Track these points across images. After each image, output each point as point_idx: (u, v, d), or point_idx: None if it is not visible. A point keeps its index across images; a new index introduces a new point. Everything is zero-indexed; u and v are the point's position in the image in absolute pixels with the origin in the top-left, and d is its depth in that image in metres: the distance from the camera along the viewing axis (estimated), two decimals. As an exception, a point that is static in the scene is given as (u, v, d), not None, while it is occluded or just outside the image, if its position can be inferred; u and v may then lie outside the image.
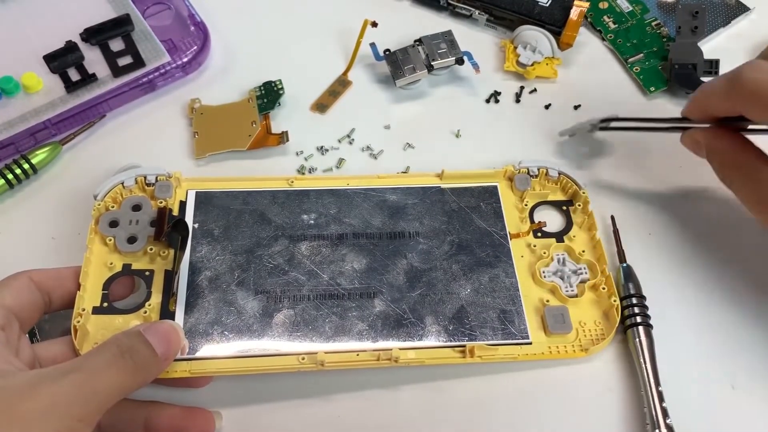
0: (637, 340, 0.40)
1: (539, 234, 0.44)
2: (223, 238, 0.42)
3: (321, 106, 0.51)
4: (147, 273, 0.41)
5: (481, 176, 0.46)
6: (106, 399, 0.31)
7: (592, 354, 0.40)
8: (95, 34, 0.50)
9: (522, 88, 0.52)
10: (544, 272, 0.42)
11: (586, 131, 0.47)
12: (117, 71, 0.49)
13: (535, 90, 0.52)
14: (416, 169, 0.48)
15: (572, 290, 0.42)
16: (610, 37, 0.54)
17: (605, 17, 0.55)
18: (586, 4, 0.52)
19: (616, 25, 0.54)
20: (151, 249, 0.41)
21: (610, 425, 0.39)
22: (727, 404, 0.40)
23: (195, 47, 0.51)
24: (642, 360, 0.40)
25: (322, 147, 0.49)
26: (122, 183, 0.43)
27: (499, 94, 0.52)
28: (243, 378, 0.39)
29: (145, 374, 0.33)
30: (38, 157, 0.46)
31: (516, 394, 0.40)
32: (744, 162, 0.40)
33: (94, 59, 0.50)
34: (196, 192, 0.44)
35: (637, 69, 0.52)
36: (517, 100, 0.52)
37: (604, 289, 0.42)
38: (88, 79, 0.48)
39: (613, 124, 0.45)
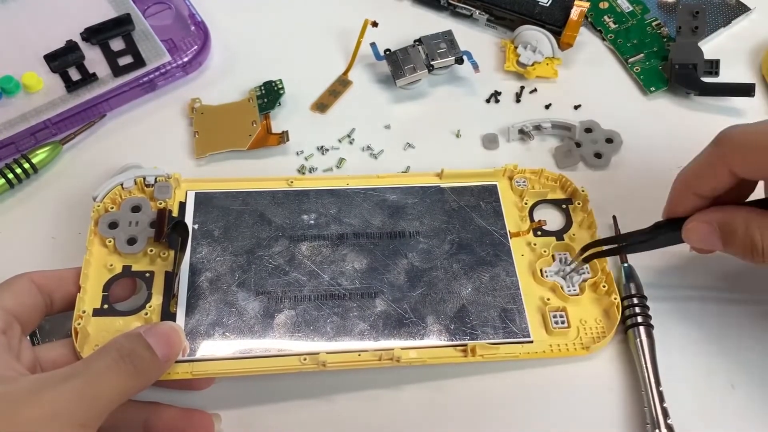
0: (638, 340, 0.40)
1: (539, 233, 0.44)
2: (223, 238, 0.42)
3: (321, 105, 0.51)
4: (147, 274, 0.40)
5: (481, 175, 0.46)
6: (108, 403, 0.31)
7: (593, 352, 0.40)
8: (96, 34, 0.50)
9: (522, 88, 0.52)
10: (546, 272, 0.42)
11: (578, 267, 0.42)
12: (117, 71, 0.49)
13: (535, 90, 0.52)
14: (416, 168, 0.48)
15: (574, 289, 0.42)
16: (611, 37, 0.54)
17: (605, 17, 0.55)
18: (587, 4, 0.52)
19: (617, 25, 0.54)
20: (151, 250, 0.41)
21: (611, 424, 0.39)
22: (727, 404, 0.40)
23: (195, 47, 0.51)
24: (643, 360, 0.40)
25: (322, 147, 0.49)
26: (121, 184, 0.43)
27: (499, 94, 0.52)
28: (243, 379, 0.39)
29: (146, 377, 0.33)
30: (38, 156, 0.46)
31: (517, 392, 0.40)
32: None
33: (94, 59, 0.50)
34: (196, 193, 0.44)
35: (637, 69, 0.52)
36: (518, 100, 0.52)
37: (604, 287, 0.42)
38: (88, 78, 0.48)
39: (596, 251, 0.42)
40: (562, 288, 0.42)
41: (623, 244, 0.41)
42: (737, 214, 0.37)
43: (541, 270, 0.42)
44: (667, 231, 0.39)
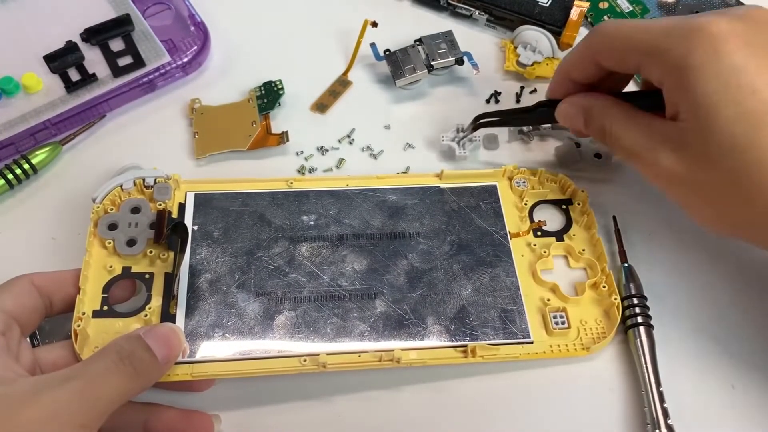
0: (638, 340, 0.40)
1: (539, 233, 0.44)
2: (222, 240, 0.42)
3: (321, 106, 0.51)
4: (147, 276, 0.40)
5: (481, 176, 0.46)
6: (108, 405, 0.31)
7: (593, 353, 0.40)
8: (95, 34, 0.50)
9: (522, 88, 0.52)
10: (444, 137, 0.46)
11: (469, 134, 0.47)
12: (117, 71, 0.49)
13: (535, 90, 0.52)
14: (416, 169, 0.48)
15: (465, 153, 0.47)
16: (611, 36, 0.54)
17: (605, 17, 0.55)
18: (587, 4, 0.52)
19: (617, 25, 0.54)
20: (150, 252, 0.41)
21: (611, 424, 0.39)
22: (727, 404, 0.40)
23: (195, 47, 0.51)
24: (643, 360, 0.40)
25: (322, 147, 0.49)
26: (121, 185, 0.43)
27: (499, 94, 0.52)
28: (243, 380, 0.39)
29: (145, 379, 0.33)
30: (38, 157, 0.46)
31: (517, 393, 0.40)
32: (623, 111, 0.39)
33: (94, 59, 0.49)
34: (195, 194, 0.44)
35: (637, 68, 0.52)
36: (518, 101, 0.51)
37: (604, 287, 0.42)
38: (88, 79, 0.48)
39: (486, 120, 0.46)
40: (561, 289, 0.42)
41: (509, 117, 0.45)
42: (596, 102, 0.40)
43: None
44: (545, 108, 0.44)
